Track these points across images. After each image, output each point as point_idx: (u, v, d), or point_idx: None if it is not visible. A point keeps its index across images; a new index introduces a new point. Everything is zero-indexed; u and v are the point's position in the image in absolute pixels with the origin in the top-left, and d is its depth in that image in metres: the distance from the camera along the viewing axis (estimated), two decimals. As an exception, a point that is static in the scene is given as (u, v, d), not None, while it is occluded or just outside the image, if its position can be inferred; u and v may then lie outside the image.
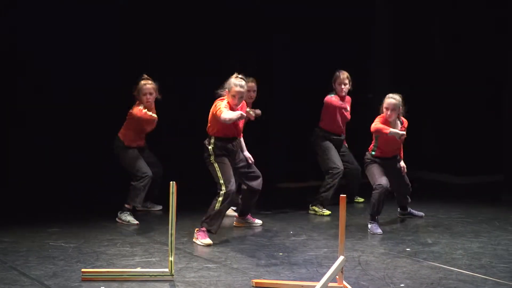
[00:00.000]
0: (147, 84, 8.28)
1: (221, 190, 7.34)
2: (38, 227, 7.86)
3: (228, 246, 7.27)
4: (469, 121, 11.00)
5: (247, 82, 7.59)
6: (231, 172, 7.43)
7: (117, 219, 8.20)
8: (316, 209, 8.74)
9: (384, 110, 7.96)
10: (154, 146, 8.74)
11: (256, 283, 5.98)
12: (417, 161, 8.33)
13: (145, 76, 8.34)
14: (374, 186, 7.96)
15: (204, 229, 7.34)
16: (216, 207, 7.33)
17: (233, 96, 7.34)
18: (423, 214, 8.62)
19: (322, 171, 8.88)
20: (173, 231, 6.06)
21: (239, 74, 7.45)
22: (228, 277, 6.20)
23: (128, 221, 8.15)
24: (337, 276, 5.77)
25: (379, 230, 7.84)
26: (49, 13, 9.72)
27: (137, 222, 8.15)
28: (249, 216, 8.14)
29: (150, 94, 8.29)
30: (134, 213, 8.28)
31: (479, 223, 8.32)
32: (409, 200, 8.51)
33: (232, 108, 7.35)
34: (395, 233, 7.90)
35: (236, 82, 7.37)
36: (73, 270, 6.31)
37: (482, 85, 10.97)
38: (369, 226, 7.90)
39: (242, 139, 7.70)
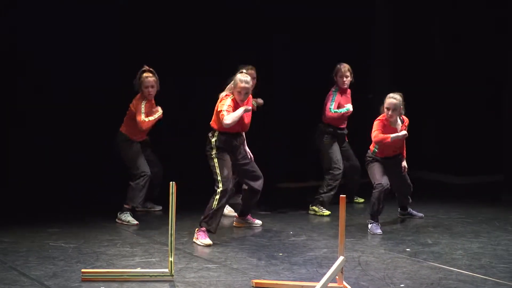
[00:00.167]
0: (149, 77, 8.25)
1: (218, 187, 7.35)
2: (38, 227, 7.86)
3: (228, 246, 7.27)
4: (469, 121, 10.99)
5: (247, 69, 7.63)
6: (230, 170, 7.44)
7: (117, 219, 8.20)
8: (316, 209, 8.74)
9: (385, 110, 7.96)
10: (154, 146, 8.74)
11: (256, 283, 5.98)
12: (417, 161, 8.32)
13: (147, 67, 8.32)
14: (374, 185, 7.96)
15: (204, 229, 7.34)
16: (213, 206, 7.33)
17: (239, 92, 7.38)
18: (423, 215, 8.61)
19: (322, 169, 8.87)
20: (173, 231, 6.06)
21: (243, 68, 7.49)
22: (228, 277, 6.20)
23: (128, 221, 8.15)
24: (337, 277, 5.77)
25: (379, 231, 7.83)
26: (49, 13, 9.72)
27: (136, 222, 8.14)
28: (249, 217, 8.14)
29: (152, 87, 8.26)
30: (133, 213, 8.27)
31: (479, 223, 8.32)
32: (410, 200, 8.51)
33: (237, 105, 7.36)
34: (395, 233, 7.90)
35: (242, 78, 7.41)
36: (73, 271, 6.31)
37: (482, 85, 10.97)
38: (369, 226, 7.90)
39: (243, 133, 7.71)
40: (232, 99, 7.38)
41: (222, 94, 7.48)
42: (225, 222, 8.28)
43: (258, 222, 8.17)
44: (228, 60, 10.24)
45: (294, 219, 8.53)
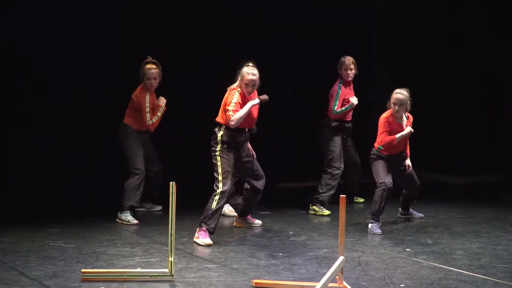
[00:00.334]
0: (152, 69, 8.28)
1: (218, 187, 7.35)
2: (38, 227, 7.85)
3: (228, 246, 7.27)
4: (469, 121, 10.99)
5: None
6: (232, 171, 7.44)
7: (117, 219, 8.20)
8: (316, 209, 8.74)
9: (392, 105, 7.99)
10: (155, 144, 8.74)
11: (256, 283, 5.98)
12: (417, 161, 8.31)
13: (150, 59, 8.34)
14: (377, 184, 7.95)
15: (204, 228, 7.34)
16: (212, 206, 7.33)
17: (246, 84, 7.41)
18: (423, 215, 8.61)
19: (321, 166, 8.85)
20: (173, 231, 6.06)
21: (249, 63, 7.52)
22: (228, 278, 6.20)
23: (128, 221, 8.15)
24: (337, 277, 5.77)
25: (379, 231, 7.83)
26: (49, 13, 9.72)
27: (136, 221, 8.14)
28: (249, 217, 8.14)
29: (154, 79, 8.29)
30: (133, 212, 8.27)
31: (479, 223, 8.32)
32: (415, 201, 8.50)
33: (244, 98, 7.40)
34: (395, 233, 7.90)
35: (249, 70, 7.45)
36: (73, 271, 6.31)
37: (482, 85, 10.97)
38: (370, 226, 7.90)
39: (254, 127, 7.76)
40: (239, 93, 7.41)
41: (231, 88, 7.50)
42: (225, 222, 8.28)
43: (258, 222, 8.17)
44: (228, 60, 10.23)
45: (294, 219, 8.53)
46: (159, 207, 8.82)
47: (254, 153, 7.77)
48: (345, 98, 8.75)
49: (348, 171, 9.09)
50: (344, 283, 5.83)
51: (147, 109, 8.24)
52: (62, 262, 6.57)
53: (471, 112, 11.00)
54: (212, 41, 10.41)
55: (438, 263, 6.68)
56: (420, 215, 8.61)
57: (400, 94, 7.97)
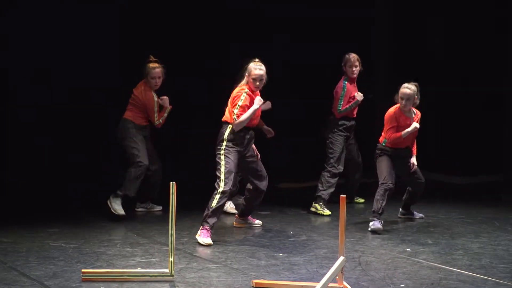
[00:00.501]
0: (156, 68, 8.33)
1: (219, 186, 7.36)
2: (38, 227, 7.85)
3: (228, 246, 7.27)
4: (469, 121, 10.99)
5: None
6: (235, 171, 7.44)
7: (108, 201, 8.18)
8: (318, 207, 8.72)
9: (399, 99, 8.01)
10: (155, 142, 8.74)
11: (256, 283, 5.98)
12: (417, 161, 8.32)
13: (152, 58, 8.36)
14: (380, 182, 7.94)
15: (207, 227, 7.33)
16: (212, 205, 7.33)
17: (254, 79, 7.45)
18: (423, 216, 8.61)
19: (321, 166, 8.85)
20: (173, 232, 6.06)
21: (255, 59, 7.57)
22: (228, 278, 6.20)
23: (115, 210, 8.13)
24: (337, 277, 5.77)
25: (380, 226, 7.81)
26: (49, 13, 9.72)
27: (123, 213, 8.14)
28: (249, 217, 8.14)
29: (159, 78, 8.35)
30: (125, 201, 8.23)
31: (479, 224, 8.32)
32: (418, 200, 8.49)
33: (251, 99, 7.43)
34: (395, 233, 7.90)
35: (255, 65, 7.51)
36: (73, 271, 6.31)
37: (482, 85, 10.97)
38: (371, 222, 7.87)
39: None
40: (247, 94, 7.43)
41: (237, 90, 7.50)
42: (225, 222, 8.28)
43: (258, 222, 8.17)
44: (228, 60, 10.25)
45: (294, 219, 8.53)
46: (159, 207, 8.82)
47: (258, 153, 7.78)
48: (350, 96, 8.78)
49: (349, 171, 9.09)
50: (344, 283, 5.83)
51: (155, 109, 8.31)
52: (62, 262, 6.57)
53: (471, 112, 11.00)
54: (212, 41, 10.42)
55: (438, 263, 6.68)
56: (420, 215, 8.61)
57: (408, 88, 8.00)
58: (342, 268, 5.76)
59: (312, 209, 8.78)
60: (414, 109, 8.16)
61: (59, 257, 6.72)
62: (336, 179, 8.75)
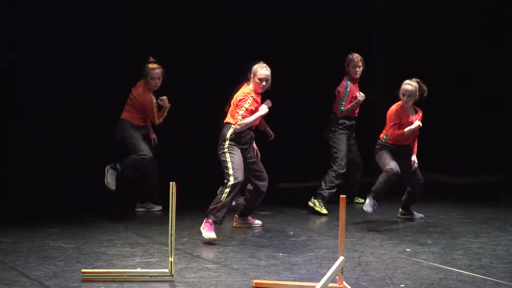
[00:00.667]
0: (156, 69, 8.33)
1: (228, 181, 7.36)
2: (38, 227, 7.85)
3: (228, 246, 7.27)
4: (469, 121, 10.99)
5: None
6: (242, 165, 7.45)
7: (106, 170, 8.23)
8: (317, 203, 8.71)
9: (401, 96, 8.02)
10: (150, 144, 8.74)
11: (256, 283, 5.98)
12: (418, 161, 8.33)
13: (152, 59, 8.35)
14: (384, 169, 7.94)
15: (211, 221, 7.34)
16: (222, 199, 7.33)
17: (260, 79, 7.48)
18: (423, 216, 8.61)
19: (322, 166, 8.84)
20: (173, 232, 6.06)
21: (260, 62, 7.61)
22: (228, 278, 6.20)
23: (108, 183, 8.19)
24: (337, 277, 5.77)
25: (370, 209, 7.84)
26: (49, 13, 9.73)
27: (114, 188, 8.18)
28: (249, 217, 8.14)
29: (159, 78, 8.36)
30: (130, 204, 8.25)
31: (479, 224, 8.32)
32: (417, 201, 8.49)
33: (257, 103, 7.45)
34: (395, 233, 7.90)
35: (262, 65, 7.55)
36: (73, 271, 6.31)
37: (482, 85, 10.97)
38: (367, 200, 7.89)
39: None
40: (253, 99, 7.45)
41: (242, 93, 7.50)
42: (225, 222, 8.27)
43: (258, 222, 8.17)
44: (228, 60, 10.26)
45: (294, 219, 8.53)
46: (159, 207, 8.82)
47: (259, 153, 7.80)
48: (352, 96, 8.78)
49: (350, 171, 9.08)
50: (344, 283, 5.83)
51: (155, 109, 8.32)
52: (62, 262, 6.57)
53: (471, 112, 11.00)
54: (212, 41, 10.42)
55: (438, 263, 6.67)
56: (420, 215, 8.60)
57: (409, 85, 8.02)
58: (342, 268, 5.76)
59: (310, 203, 8.76)
60: (417, 108, 8.17)
61: (59, 257, 6.72)
62: (339, 180, 8.74)
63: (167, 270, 6.15)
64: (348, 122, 8.85)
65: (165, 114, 8.45)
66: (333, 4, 10.91)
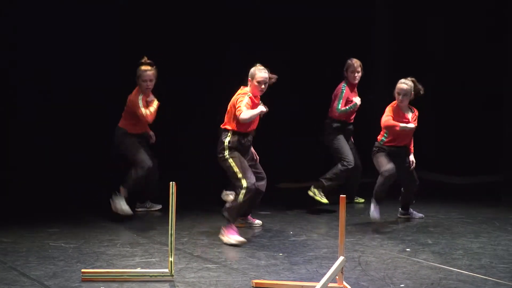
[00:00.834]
0: (148, 71, 8.20)
1: (241, 187, 7.30)
2: (38, 227, 7.85)
3: (228, 246, 7.27)
4: (469, 121, 10.99)
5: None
6: (247, 164, 7.42)
7: (111, 201, 8.15)
8: (316, 192, 8.68)
9: (396, 95, 8.02)
10: (153, 146, 8.73)
11: (256, 283, 5.98)
12: (417, 161, 8.33)
13: (146, 60, 8.29)
14: (380, 172, 7.95)
15: (232, 225, 7.32)
16: (239, 199, 7.30)
17: (259, 82, 7.43)
18: (423, 216, 8.61)
19: (326, 168, 8.84)
20: (173, 232, 6.06)
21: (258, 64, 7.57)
22: (228, 278, 6.20)
23: (123, 211, 8.10)
24: (337, 277, 5.77)
25: (377, 216, 7.86)
26: (49, 13, 9.72)
27: (131, 212, 8.12)
28: (249, 217, 8.14)
29: (150, 81, 8.22)
30: (130, 204, 8.23)
31: (479, 223, 8.32)
32: (414, 201, 8.50)
33: (254, 104, 7.39)
34: (395, 233, 7.90)
35: (260, 68, 7.50)
36: (73, 271, 6.31)
37: (482, 85, 10.97)
38: (372, 206, 7.94)
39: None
40: (250, 98, 7.41)
41: (239, 94, 7.47)
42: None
43: (258, 222, 8.17)
44: (228, 60, 10.25)
45: (294, 219, 8.52)
46: (159, 206, 8.80)
47: (257, 157, 7.78)
48: (348, 99, 8.76)
49: (350, 172, 9.08)
50: (344, 283, 5.83)
51: (140, 104, 8.15)
52: (62, 262, 6.57)
53: (471, 112, 10.99)
54: (212, 41, 10.41)
55: (438, 263, 6.68)
56: (420, 215, 8.60)
57: (404, 84, 8.02)
58: (342, 268, 5.76)
59: (310, 193, 8.73)
60: (413, 108, 8.17)
61: (59, 257, 6.73)
62: (344, 175, 8.70)
63: (167, 270, 6.15)
64: (343, 126, 8.82)
65: (155, 107, 8.20)
66: (333, 4, 10.90)
